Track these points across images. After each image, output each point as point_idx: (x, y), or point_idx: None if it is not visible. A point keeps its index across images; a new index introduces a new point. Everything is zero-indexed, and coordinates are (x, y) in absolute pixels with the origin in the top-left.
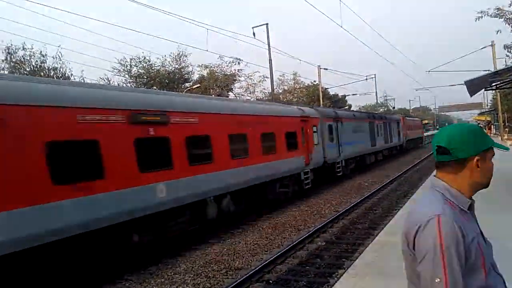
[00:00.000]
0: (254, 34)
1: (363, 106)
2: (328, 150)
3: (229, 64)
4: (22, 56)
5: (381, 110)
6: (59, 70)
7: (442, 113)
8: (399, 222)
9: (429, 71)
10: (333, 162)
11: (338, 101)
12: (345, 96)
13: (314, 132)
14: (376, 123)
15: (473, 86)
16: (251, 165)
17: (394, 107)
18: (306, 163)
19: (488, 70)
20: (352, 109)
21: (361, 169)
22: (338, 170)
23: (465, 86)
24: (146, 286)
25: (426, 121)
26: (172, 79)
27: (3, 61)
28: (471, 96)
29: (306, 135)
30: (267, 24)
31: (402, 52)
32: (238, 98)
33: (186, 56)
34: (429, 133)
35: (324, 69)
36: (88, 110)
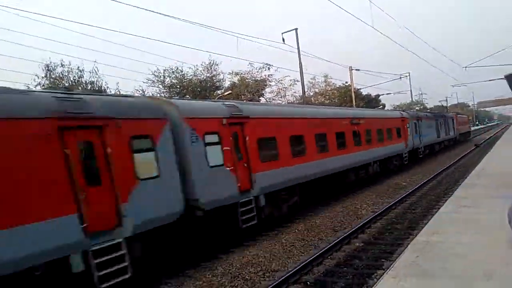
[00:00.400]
0: (283, 39)
1: (397, 105)
2: (414, 139)
3: (259, 70)
4: (61, 72)
5: (416, 108)
6: (96, 84)
7: (481, 109)
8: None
9: (465, 67)
10: (417, 148)
11: (371, 101)
12: (378, 95)
13: (407, 127)
14: (440, 120)
15: None
16: (380, 147)
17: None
18: (406, 146)
19: None
20: (386, 108)
21: (431, 154)
22: (420, 152)
23: (505, 80)
24: None
25: None
26: (204, 87)
27: (43, 77)
28: None
29: (405, 129)
30: (296, 29)
31: (437, 49)
32: (274, 102)
33: (217, 65)
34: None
35: (356, 69)
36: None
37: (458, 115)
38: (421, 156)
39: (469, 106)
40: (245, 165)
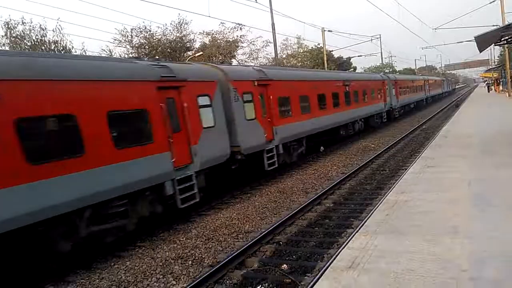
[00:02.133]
0: None
1: (368, 68)
2: (392, 100)
3: (231, 30)
4: (22, 31)
5: (386, 70)
6: (60, 44)
7: (448, 72)
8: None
9: (435, 29)
10: (394, 108)
11: (343, 64)
12: (350, 58)
13: (386, 89)
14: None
15: (483, 41)
16: (365, 107)
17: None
18: (385, 107)
19: (497, 25)
20: (357, 71)
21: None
22: (396, 112)
23: (471, 43)
24: (159, 251)
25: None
26: (174, 48)
27: (2, 36)
28: (480, 51)
29: (384, 91)
30: None
31: (409, 10)
32: (241, 64)
33: (187, 24)
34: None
35: (329, 31)
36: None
37: (430, 79)
38: (396, 116)
39: (437, 69)
40: (269, 120)
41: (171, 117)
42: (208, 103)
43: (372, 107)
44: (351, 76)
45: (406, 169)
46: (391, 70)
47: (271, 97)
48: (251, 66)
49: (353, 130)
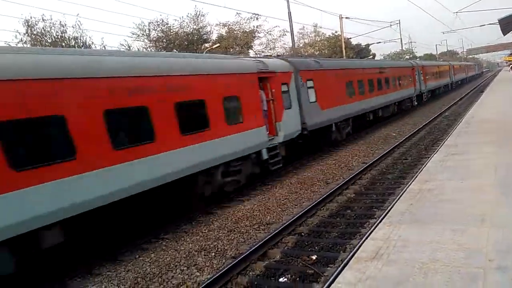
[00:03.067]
0: None
1: (387, 55)
2: (421, 85)
3: (248, 21)
4: (43, 28)
5: (406, 57)
6: (80, 40)
7: (470, 56)
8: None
9: (456, 13)
10: (423, 92)
11: (361, 51)
12: (368, 45)
13: (416, 75)
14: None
15: (507, 24)
16: (398, 91)
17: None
18: (414, 91)
19: None
20: (376, 58)
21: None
22: (424, 96)
23: (494, 27)
24: (182, 243)
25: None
26: (191, 41)
27: (24, 34)
28: (504, 34)
29: (414, 77)
30: None
31: None
32: (259, 55)
33: (203, 16)
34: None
35: (346, 18)
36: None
37: (454, 64)
38: (425, 100)
39: (458, 54)
40: (325, 102)
41: (263, 99)
42: (287, 89)
43: (405, 91)
44: (386, 63)
45: (429, 157)
46: (411, 56)
47: (325, 83)
48: (311, 58)
49: (389, 112)
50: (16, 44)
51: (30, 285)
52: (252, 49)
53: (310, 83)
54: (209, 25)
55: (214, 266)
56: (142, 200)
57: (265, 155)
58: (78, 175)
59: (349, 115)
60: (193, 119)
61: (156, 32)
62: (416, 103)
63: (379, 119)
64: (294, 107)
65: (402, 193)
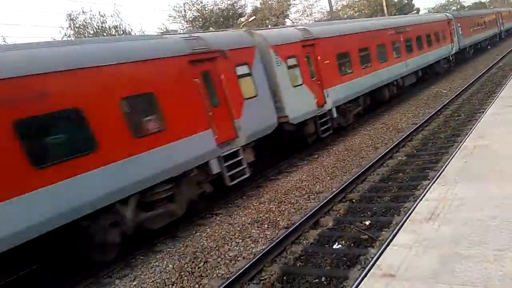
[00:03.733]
0: None
1: (432, 8)
2: (460, 40)
3: None
4: (84, 20)
5: (453, 8)
6: (120, 28)
7: None
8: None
9: None
10: (463, 48)
11: (404, 7)
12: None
13: (453, 29)
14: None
15: None
16: (429, 52)
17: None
18: (452, 49)
19: None
20: (420, 12)
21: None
22: (467, 53)
23: None
24: (235, 217)
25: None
26: (226, 17)
27: (67, 28)
28: None
29: (450, 31)
30: None
31: None
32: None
33: None
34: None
35: None
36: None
37: (503, 11)
38: (468, 56)
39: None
40: (319, 82)
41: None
42: (248, 71)
43: (438, 51)
44: (409, 20)
45: (483, 112)
46: (458, 7)
47: (319, 57)
48: (294, 26)
49: (421, 77)
50: (62, 39)
51: (95, 264)
52: (288, 18)
53: (292, 61)
54: None
55: (268, 237)
56: None
57: (215, 169)
58: None
59: (357, 94)
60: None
61: (192, 12)
62: (453, 63)
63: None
64: (263, 95)
65: (457, 151)
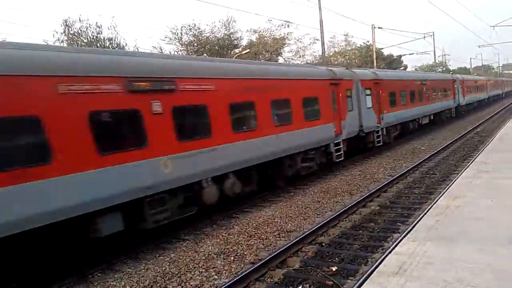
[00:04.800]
0: None
1: (419, 67)
2: (460, 98)
3: (278, 28)
4: (79, 28)
5: (439, 70)
6: (114, 40)
7: (506, 72)
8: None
9: (493, 26)
10: (461, 105)
11: (393, 62)
12: (400, 56)
13: (456, 88)
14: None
15: None
16: (440, 102)
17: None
18: (453, 103)
19: None
20: (407, 69)
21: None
22: (463, 108)
23: None
24: (202, 245)
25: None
26: (221, 46)
27: (61, 33)
28: None
29: (454, 89)
30: None
31: (465, 6)
32: (288, 62)
33: (235, 21)
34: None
35: (379, 28)
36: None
37: (491, 79)
38: (463, 112)
39: (494, 69)
40: (378, 109)
41: (334, 102)
42: (350, 94)
43: (446, 103)
44: (427, 75)
45: (458, 173)
46: (444, 69)
47: (380, 92)
48: (370, 69)
49: (429, 121)
50: (54, 43)
51: (51, 276)
52: (281, 56)
53: (368, 91)
54: (240, 30)
55: (233, 271)
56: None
57: (332, 148)
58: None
59: (398, 121)
60: (282, 115)
61: (188, 36)
62: (454, 114)
63: (422, 127)
64: (355, 110)
65: (429, 208)
